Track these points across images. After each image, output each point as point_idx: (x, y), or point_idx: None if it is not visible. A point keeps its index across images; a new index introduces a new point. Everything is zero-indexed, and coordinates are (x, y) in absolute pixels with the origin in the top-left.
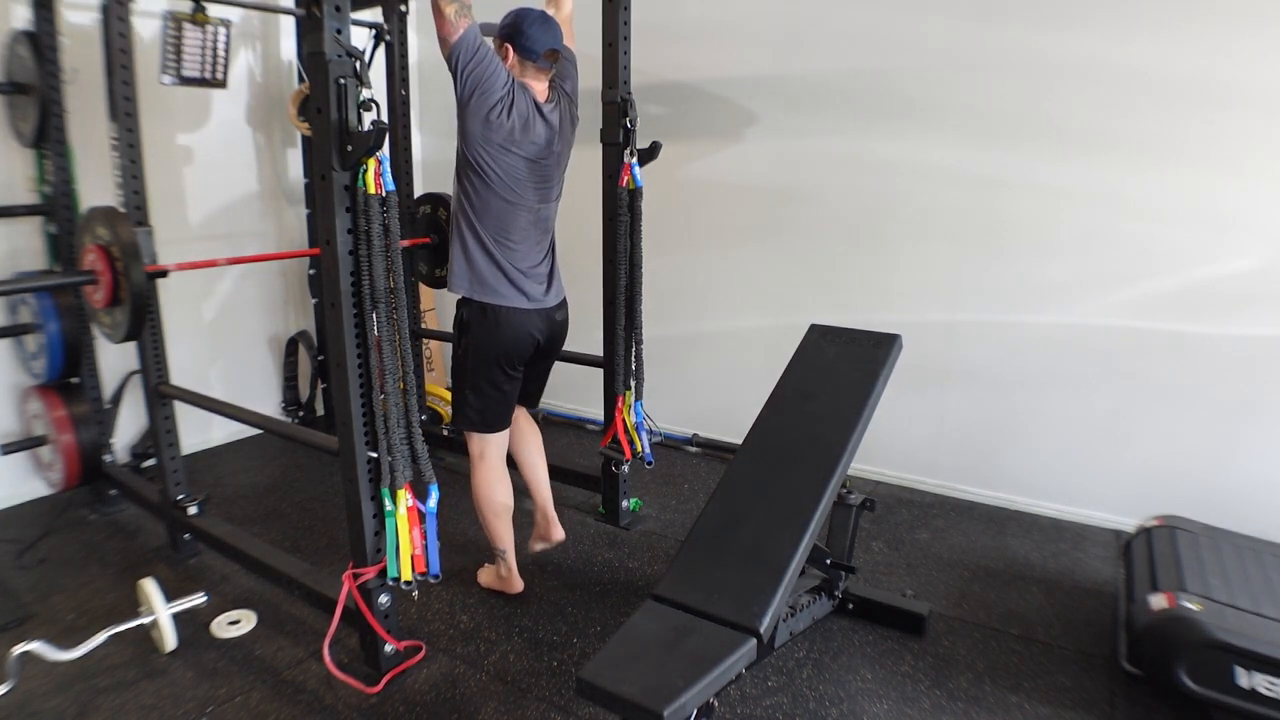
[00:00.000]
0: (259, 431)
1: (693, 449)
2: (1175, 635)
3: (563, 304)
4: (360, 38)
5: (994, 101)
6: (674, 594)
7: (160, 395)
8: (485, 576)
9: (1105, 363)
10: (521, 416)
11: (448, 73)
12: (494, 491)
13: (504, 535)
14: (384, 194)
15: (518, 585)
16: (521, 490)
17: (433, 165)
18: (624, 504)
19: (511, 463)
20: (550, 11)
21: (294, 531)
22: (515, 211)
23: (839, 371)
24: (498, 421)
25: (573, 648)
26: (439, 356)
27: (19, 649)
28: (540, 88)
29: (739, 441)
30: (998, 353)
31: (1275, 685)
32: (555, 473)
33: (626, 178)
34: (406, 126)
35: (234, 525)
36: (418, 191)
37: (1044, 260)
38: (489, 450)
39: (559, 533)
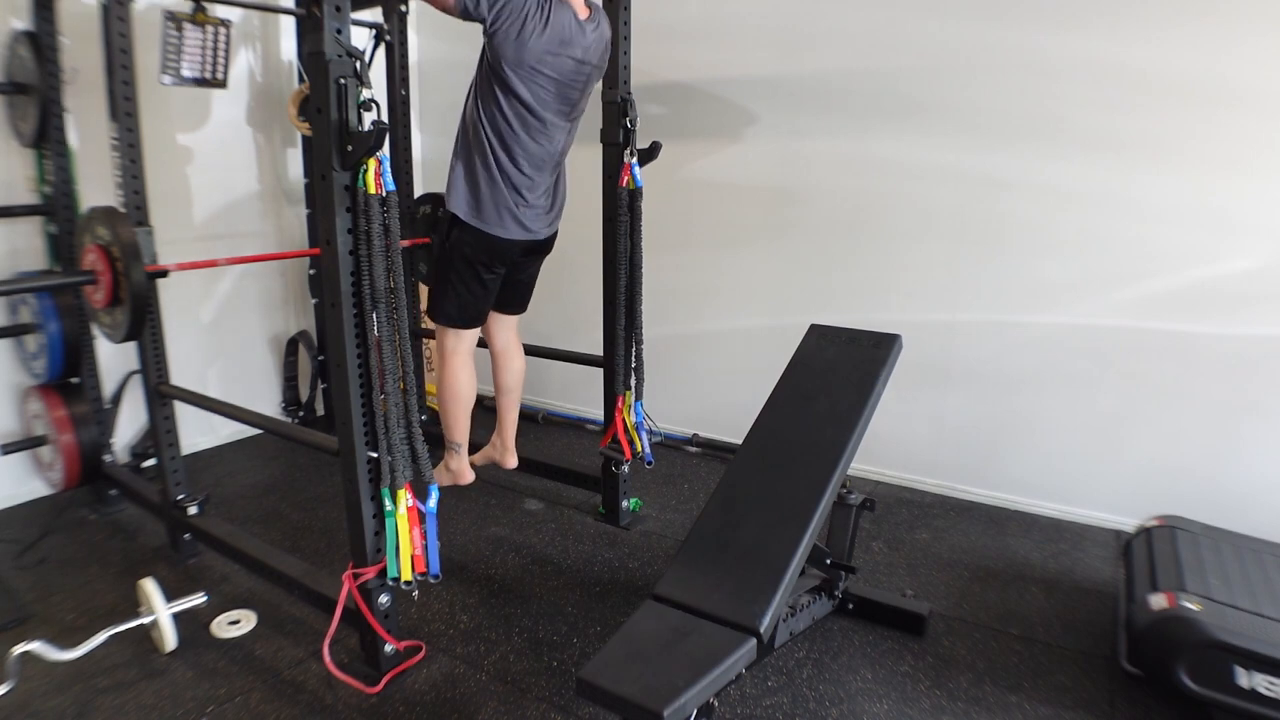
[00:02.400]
0: (259, 431)
1: (693, 449)
2: (1175, 635)
3: (555, 230)
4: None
5: (994, 101)
6: (674, 594)
7: (160, 395)
8: (437, 475)
9: (1105, 363)
10: (512, 336)
11: (448, 73)
12: (460, 385)
13: (462, 429)
14: (384, 194)
15: (468, 476)
16: (524, 491)
17: (433, 165)
18: (624, 504)
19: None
20: None
21: (294, 531)
22: (532, 139)
23: (839, 372)
24: (475, 319)
25: (573, 648)
26: (439, 356)
27: (19, 649)
28: (579, 3)
29: (739, 441)
30: (998, 353)
31: (1275, 685)
32: (555, 473)
33: (626, 178)
34: (406, 126)
35: (234, 525)
36: (418, 191)
37: (1044, 260)
38: (461, 346)
39: (512, 460)
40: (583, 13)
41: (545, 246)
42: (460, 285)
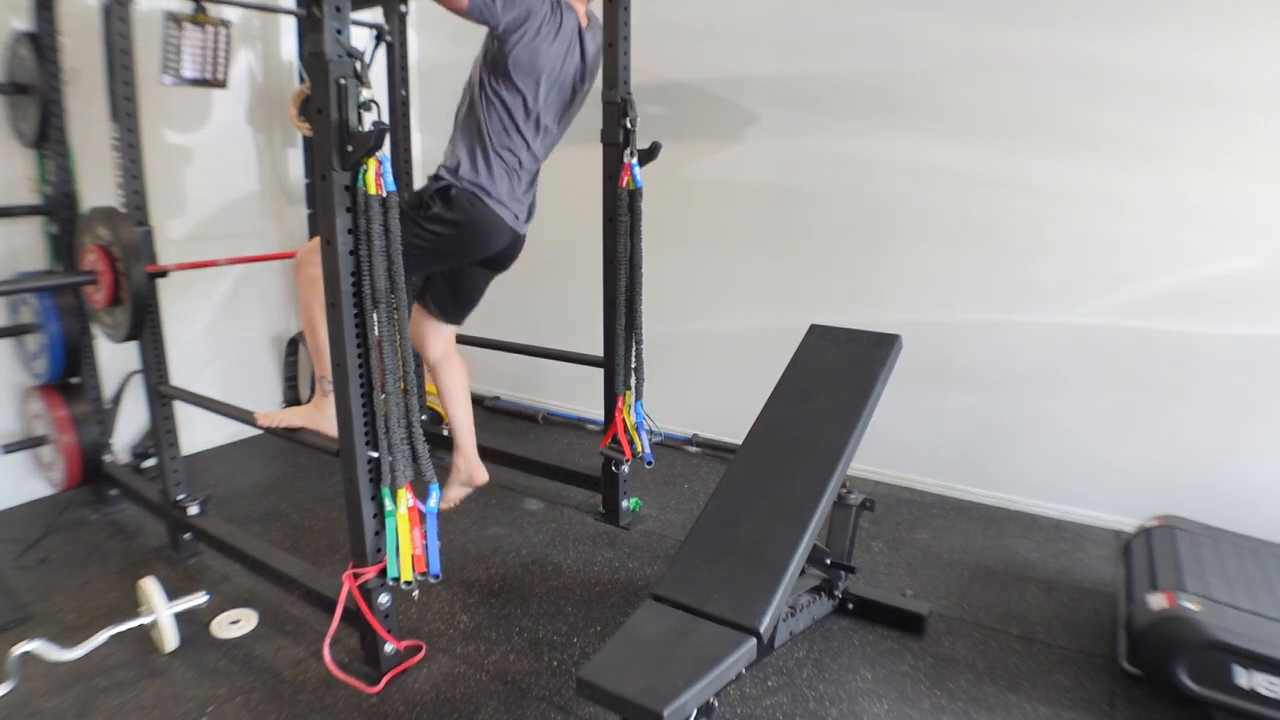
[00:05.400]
0: (259, 431)
1: (693, 449)
2: (1175, 635)
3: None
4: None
5: (994, 101)
6: (674, 594)
7: (160, 395)
8: (298, 417)
9: (1105, 363)
10: (450, 346)
11: (448, 73)
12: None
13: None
14: (384, 194)
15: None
16: (524, 491)
17: (432, 165)
18: (624, 504)
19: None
20: None
21: (294, 531)
22: (529, 141)
23: (839, 371)
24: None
25: (573, 648)
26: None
27: (19, 649)
28: (581, 9)
29: (739, 441)
30: (998, 353)
31: (1275, 685)
32: (555, 473)
33: (626, 178)
34: (406, 127)
35: (234, 525)
36: None
37: (1044, 260)
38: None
39: (482, 475)
40: (584, 21)
41: (510, 256)
42: (424, 261)
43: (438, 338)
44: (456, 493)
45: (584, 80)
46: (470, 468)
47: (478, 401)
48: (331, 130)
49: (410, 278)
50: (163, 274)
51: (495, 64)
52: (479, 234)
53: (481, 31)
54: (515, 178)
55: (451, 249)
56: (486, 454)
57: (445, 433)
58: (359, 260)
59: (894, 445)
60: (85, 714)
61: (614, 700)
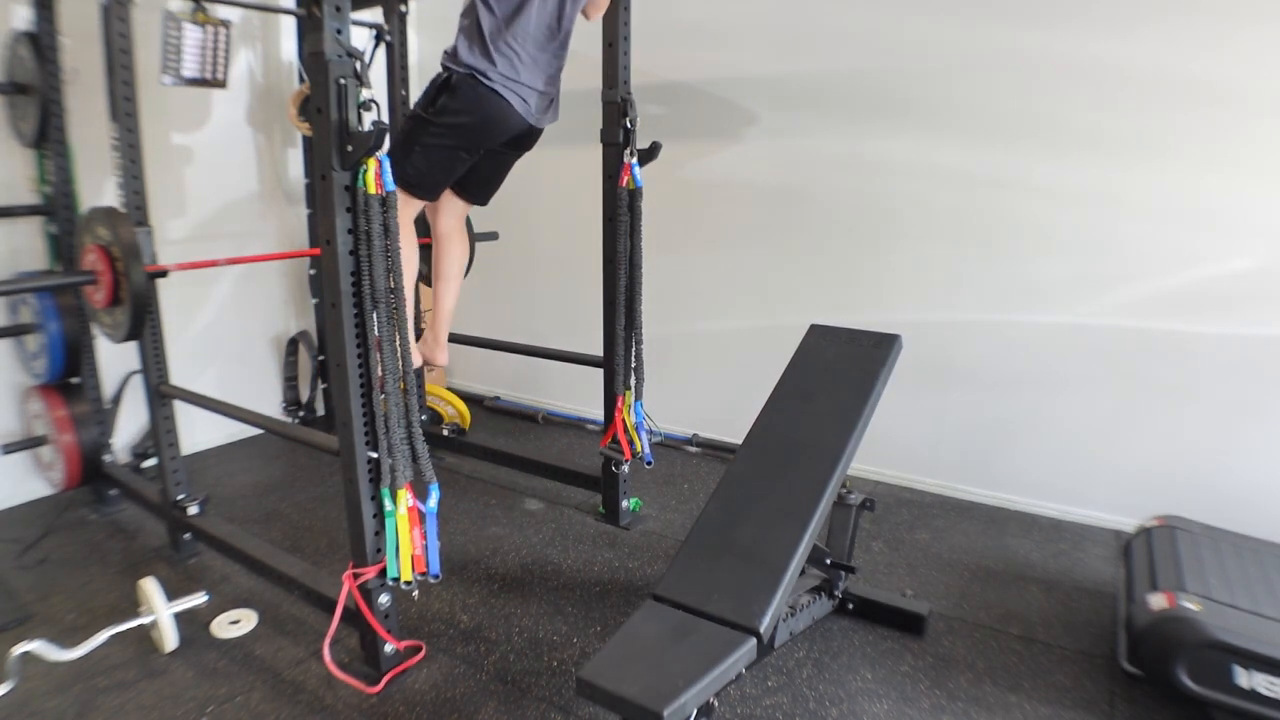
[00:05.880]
0: (259, 431)
1: (693, 449)
2: (1175, 635)
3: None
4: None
5: (994, 101)
6: (674, 594)
7: (160, 395)
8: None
9: (1105, 362)
10: (460, 223)
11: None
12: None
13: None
14: (384, 194)
15: (417, 359)
16: (524, 491)
17: None
18: (624, 504)
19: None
20: None
21: (294, 531)
22: (528, 23)
23: (839, 371)
24: (431, 190)
25: (573, 648)
26: None
27: (19, 649)
28: None
29: (739, 441)
30: (998, 353)
31: (1275, 685)
32: (555, 473)
33: (626, 178)
34: None
35: (234, 525)
36: None
37: (1044, 260)
38: (406, 213)
39: (443, 357)
40: None
41: (530, 139)
42: (428, 154)
43: (450, 213)
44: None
45: None
46: (435, 346)
47: (478, 402)
48: (331, 130)
49: (440, 177)
50: (163, 274)
51: None
52: (488, 119)
53: None
54: (516, 59)
55: (466, 140)
56: (487, 454)
57: (445, 433)
58: (359, 260)
59: (894, 445)
60: (85, 714)
61: (614, 700)
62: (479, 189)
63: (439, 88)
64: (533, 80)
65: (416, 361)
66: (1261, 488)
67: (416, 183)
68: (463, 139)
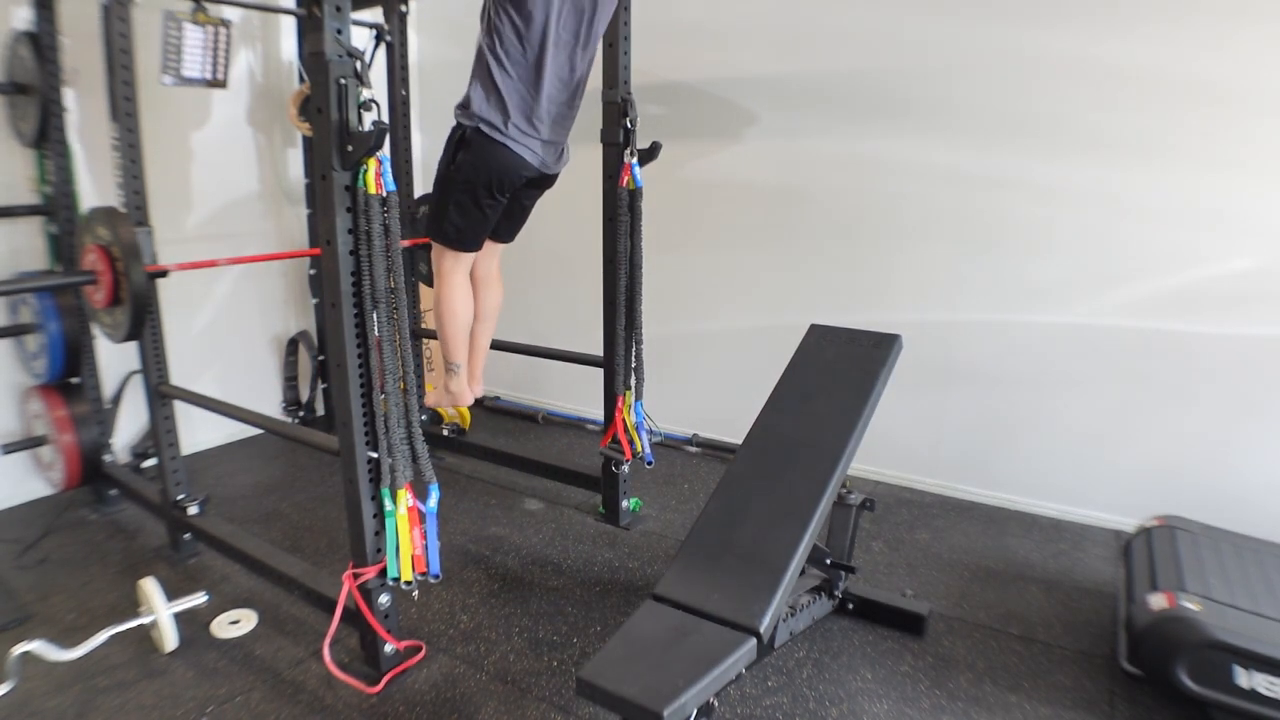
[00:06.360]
0: (259, 431)
1: (693, 449)
2: (1175, 635)
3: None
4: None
5: (994, 101)
6: (674, 594)
7: (160, 395)
8: (433, 397)
9: (1105, 362)
10: (494, 266)
11: (448, 73)
12: (457, 305)
13: (460, 350)
14: (384, 194)
15: (468, 397)
16: (524, 491)
17: (432, 165)
18: (624, 504)
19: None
20: None
21: (294, 531)
22: (545, 65)
23: (839, 371)
24: (472, 243)
25: (573, 648)
26: (439, 356)
27: (19, 649)
28: None
29: (739, 441)
30: (998, 353)
31: (1275, 685)
32: (555, 473)
33: (626, 178)
34: (406, 126)
35: (234, 525)
36: (418, 191)
37: (1044, 260)
38: (459, 268)
39: (478, 389)
40: None
41: (549, 180)
42: (460, 210)
43: (484, 256)
44: (443, 397)
45: None
46: (471, 379)
47: (478, 402)
48: (331, 130)
49: (479, 229)
50: (163, 274)
51: None
52: (504, 169)
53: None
54: (527, 109)
55: (489, 189)
56: (487, 454)
57: (445, 433)
58: (359, 260)
59: (894, 445)
60: (85, 714)
61: (614, 700)
62: (505, 229)
63: (456, 145)
64: (548, 134)
65: (471, 398)
66: (1261, 488)
67: (458, 239)
68: (486, 189)
